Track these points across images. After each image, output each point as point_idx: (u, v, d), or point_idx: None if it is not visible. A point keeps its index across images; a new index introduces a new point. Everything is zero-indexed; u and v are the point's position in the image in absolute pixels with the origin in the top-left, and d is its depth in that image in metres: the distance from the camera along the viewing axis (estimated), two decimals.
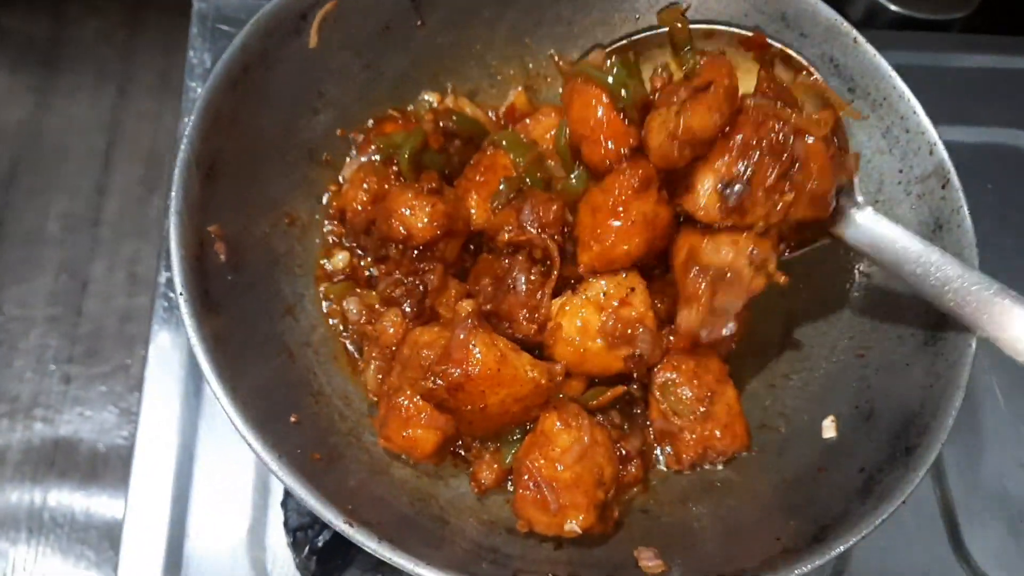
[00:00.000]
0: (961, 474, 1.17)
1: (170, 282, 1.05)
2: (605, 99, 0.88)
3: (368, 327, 0.97)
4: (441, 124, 1.04)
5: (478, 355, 0.82)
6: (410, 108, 1.11)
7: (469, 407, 0.84)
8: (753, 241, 0.84)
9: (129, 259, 2.06)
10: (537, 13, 1.10)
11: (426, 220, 0.93)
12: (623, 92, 0.87)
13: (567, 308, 0.90)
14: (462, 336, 0.83)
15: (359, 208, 0.99)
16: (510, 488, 0.92)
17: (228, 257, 0.88)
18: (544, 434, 0.86)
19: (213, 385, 0.78)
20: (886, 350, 0.94)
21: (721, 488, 0.94)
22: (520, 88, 1.14)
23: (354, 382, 0.98)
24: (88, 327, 1.97)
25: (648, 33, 0.99)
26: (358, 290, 1.01)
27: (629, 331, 0.89)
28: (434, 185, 0.95)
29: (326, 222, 1.05)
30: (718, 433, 0.92)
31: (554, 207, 0.92)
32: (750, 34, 0.94)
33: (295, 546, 1.04)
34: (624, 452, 0.93)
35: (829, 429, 0.93)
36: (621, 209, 0.87)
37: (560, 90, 1.13)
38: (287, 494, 1.08)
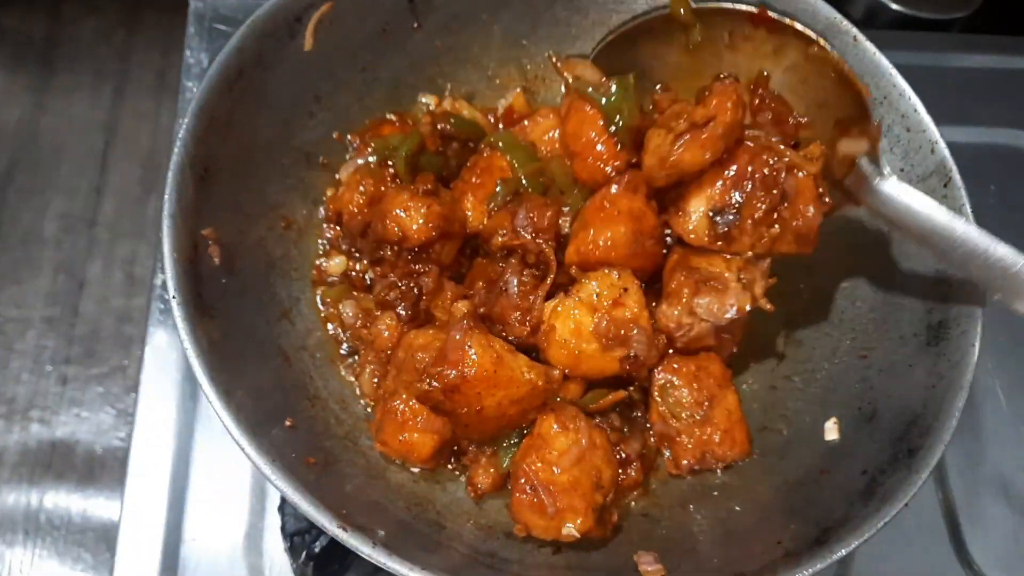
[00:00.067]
0: (963, 476, 1.16)
1: (166, 284, 1.04)
2: (600, 121, 0.93)
3: (364, 331, 0.97)
4: (439, 126, 1.04)
5: (474, 356, 0.81)
6: (408, 111, 1.10)
7: (465, 410, 0.83)
8: (743, 265, 0.87)
9: (126, 260, 2.06)
10: (534, 15, 1.10)
11: (421, 222, 0.92)
12: (617, 117, 0.92)
13: (559, 310, 0.89)
14: (458, 337, 0.82)
15: (355, 210, 0.98)
16: (508, 492, 0.91)
17: (222, 261, 0.87)
18: (541, 437, 0.85)
19: (206, 390, 0.77)
20: (888, 351, 0.93)
21: (722, 491, 0.93)
22: (518, 90, 1.13)
23: (350, 386, 0.97)
24: (85, 328, 1.97)
25: (653, 15, 1.00)
26: (355, 293, 1.00)
27: (623, 332, 0.88)
28: (430, 187, 0.95)
29: (323, 225, 1.04)
30: (717, 438, 0.91)
31: (549, 212, 0.92)
32: (755, 10, 0.94)
33: (292, 551, 1.03)
34: (624, 455, 0.93)
35: (831, 431, 0.92)
36: (608, 203, 0.90)
37: (558, 90, 1.14)
38: (284, 498, 1.07)
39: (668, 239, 0.94)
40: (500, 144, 1.02)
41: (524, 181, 0.99)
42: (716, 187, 0.85)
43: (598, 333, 0.88)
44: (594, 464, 0.85)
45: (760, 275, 0.88)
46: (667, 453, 0.94)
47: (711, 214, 0.86)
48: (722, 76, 0.91)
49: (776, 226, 0.85)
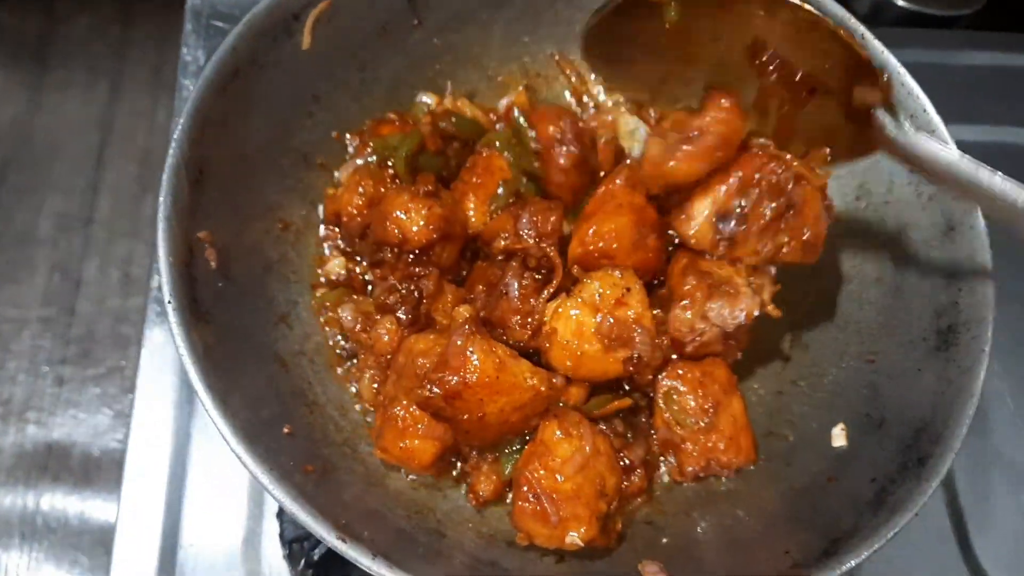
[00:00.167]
0: (971, 481, 1.15)
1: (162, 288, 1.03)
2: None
3: (363, 335, 0.95)
4: (441, 125, 1.02)
5: (476, 362, 0.80)
6: (408, 110, 1.09)
7: (467, 416, 0.82)
8: (751, 271, 0.87)
9: (123, 259, 2.04)
10: (535, 13, 1.09)
11: (422, 223, 0.91)
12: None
13: (560, 310, 0.88)
14: (459, 342, 0.81)
15: (354, 212, 0.97)
16: (510, 499, 0.90)
17: (219, 264, 0.86)
18: (544, 444, 0.84)
19: (203, 396, 0.76)
20: (897, 356, 0.92)
21: (727, 498, 0.92)
22: (521, 88, 1.12)
23: (349, 392, 0.95)
24: (81, 328, 1.95)
25: None
26: (353, 297, 0.99)
27: (626, 332, 0.87)
28: (431, 188, 0.93)
29: (322, 227, 1.02)
30: (722, 446, 0.90)
31: (553, 217, 0.91)
32: None
33: (291, 558, 1.02)
34: (627, 462, 0.91)
35: (839, 437, 0.91)
36: (610, 196, 0.91)
37: (560, 88, 1.14)
38: None
39: (671, 235, 0.94)
40: (496, 143, 1.01)
41: (524, 179, 0.98)
42: (721, 192, 0.85)
43: (600, 334, 0.86)
44: (598, 471, 0.84)
45: (768, 281, 0.87)
46: (671, 460, 0.93)
47: (715, 219, 0.86)
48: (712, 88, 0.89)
49: (782, 235, 0.86)
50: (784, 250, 0.87)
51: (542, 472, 0.82)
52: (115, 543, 1.07)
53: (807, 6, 0.88)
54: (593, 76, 1.14)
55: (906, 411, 0.87)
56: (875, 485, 0.82)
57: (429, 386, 0.80)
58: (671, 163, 0.85)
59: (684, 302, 0.88)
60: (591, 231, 0.90)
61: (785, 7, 0.89)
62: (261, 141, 0.94)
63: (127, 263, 2.02)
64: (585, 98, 1.14)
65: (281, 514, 1.05)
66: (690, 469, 0.91)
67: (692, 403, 0.90)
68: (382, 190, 0.97)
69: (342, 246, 1.02)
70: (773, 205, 0.84)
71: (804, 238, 0.86)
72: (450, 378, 0.80)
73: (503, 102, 1.11)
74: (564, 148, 0.99)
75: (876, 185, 0.98)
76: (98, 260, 2.02)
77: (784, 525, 0.86)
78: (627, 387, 0.94)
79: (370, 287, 1.01)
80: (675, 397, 0.91)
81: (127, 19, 2.32)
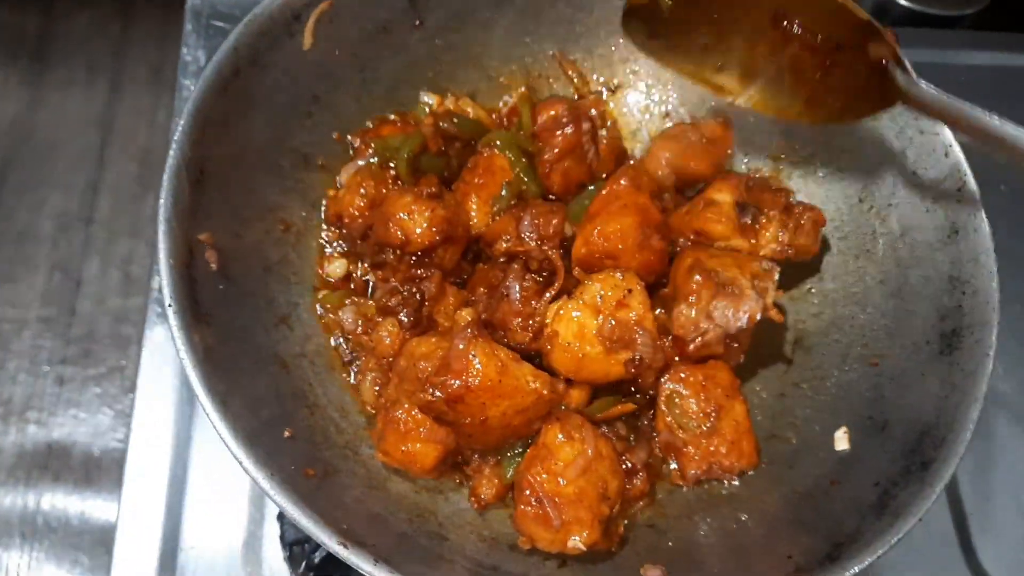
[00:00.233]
0: (974, 485, 1.15)
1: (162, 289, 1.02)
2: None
3: (364, 337, 0.95)
4: (443, 125, 1.02)
5: (478, 365, 0.80)
6: (409, 110, 1.08)
7: (469, 420, 0.81)
8: (757, 272, 0.89)
9: (124, 259, 2.03)
10: (537, 13, 1.08)
11: (425, 225, 0.91)
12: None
13: (561, 312, 0.87)
14: (461, 346, 0.80)
15: (356, 213, 0.97)
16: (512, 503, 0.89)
17: (219, 265, 0.85)
18: (546, 447, 0.83)
19: (203, 399, 0.75)
20: (900, 359, 0.91)
21: (729, 501, 0.91)
22: (523, 89, 1.11)
23: (351, 394, 0.95)
24: (82, 328, 1.94)
25: None
26: (355, 299, 0.98)
27: (627, 334, 0.86)
28: (433, 189, 0.93)
29: (323, 228, 1.02)
30: (724, 450, 0.89)
31: (555, 220, 0.91)
32: None
33: (292, 561, 1.02)
34: (630, 465, 0.91)
35: (842, 440, 0.90)
36: (614, 197, 0.91)
37: (563, 88, 1.13)
38: None
39: (674, 236, 0.96)
40: (498, 143, 1.00)
41: (525, 180, 0.98)
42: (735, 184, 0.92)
43: (602, 335, 0.86)
44: (600, 475, 0.83)
45: (772, 284, 0.87)
46: (673, 464, 0.92)
47: (737, 207, 0.91)
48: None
49: (797, 218, 0.93)
50: (799, 232, 0.93)
51: (544, 476, 0.82)
52: (116, 543, 1.07)
53: None
54: (595, 76, 1.14)
55: (909, 414, 0.86)
56: (878, 489, 0.81)
57: (431, 390, 0.80)
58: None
59: (689, 299, 0.88)
60: (596, 231, 0.90)
61: None
62: (262, 141, 0.94)
63: (127, 262, 2.02)
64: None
65: (282, 516, 1.05)
66: (692, 473, 0.90)
67: (694, 407, 0.90)
68: (384, 191, 0.97)
69: (343, 247, 1.01)
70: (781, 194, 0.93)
71: (812, 217, 0.94)
72: (452, 382, 0.79)
73: (504, 101, 1.11)
74: (560, 131, 0.99)
75: (880, 188, 0.98)
76: (98, 259, 2.02)
77: (787, 529, 0.85)
78: (632, 389, 0.94)
79: (371, 289, 1.00)
80: (677, 400, 0.90)
81: (127, 17, 2.31)
